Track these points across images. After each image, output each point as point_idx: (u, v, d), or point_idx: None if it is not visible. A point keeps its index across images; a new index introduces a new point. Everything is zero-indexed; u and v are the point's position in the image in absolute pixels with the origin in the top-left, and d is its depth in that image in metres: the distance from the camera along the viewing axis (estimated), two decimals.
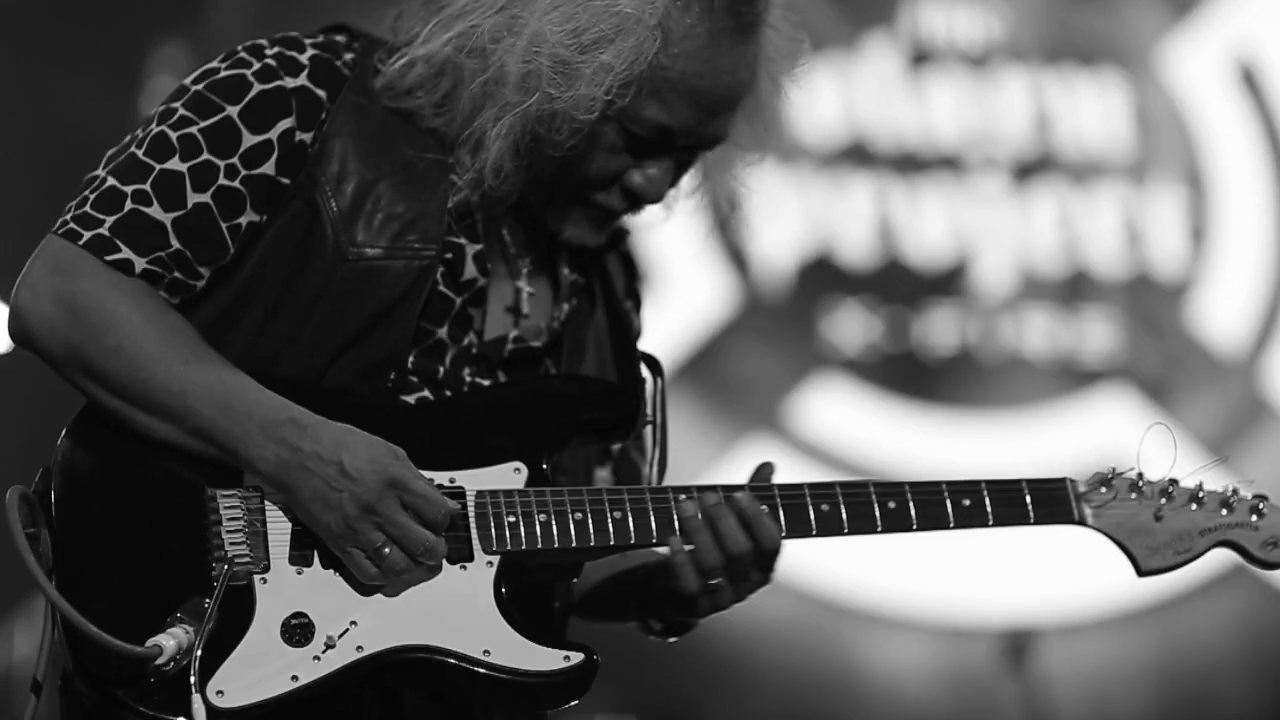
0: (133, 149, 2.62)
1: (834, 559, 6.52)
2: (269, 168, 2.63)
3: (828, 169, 6.73)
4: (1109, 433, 6.71)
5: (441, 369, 2.71)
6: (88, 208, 2.57)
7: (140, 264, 2.56)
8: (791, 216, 6.63)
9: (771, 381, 6.67)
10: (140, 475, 2.54)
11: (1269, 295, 6.94)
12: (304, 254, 2.65)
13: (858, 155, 6.80)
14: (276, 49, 2.68)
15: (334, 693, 2.46)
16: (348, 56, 2.73)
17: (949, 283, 6.84)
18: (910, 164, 6.85)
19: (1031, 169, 6.92)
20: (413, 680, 2.51)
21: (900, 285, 6.82)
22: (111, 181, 2.60)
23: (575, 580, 2.81)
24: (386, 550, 2.47)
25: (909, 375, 6.80)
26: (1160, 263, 6.94)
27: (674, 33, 2.68)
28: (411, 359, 2.69)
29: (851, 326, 6.77)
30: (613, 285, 2.97)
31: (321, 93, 2.69)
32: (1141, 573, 2.75)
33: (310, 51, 2.70)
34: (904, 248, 6.84)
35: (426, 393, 2.70)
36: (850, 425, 6.70)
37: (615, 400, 2.79)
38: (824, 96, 6.59)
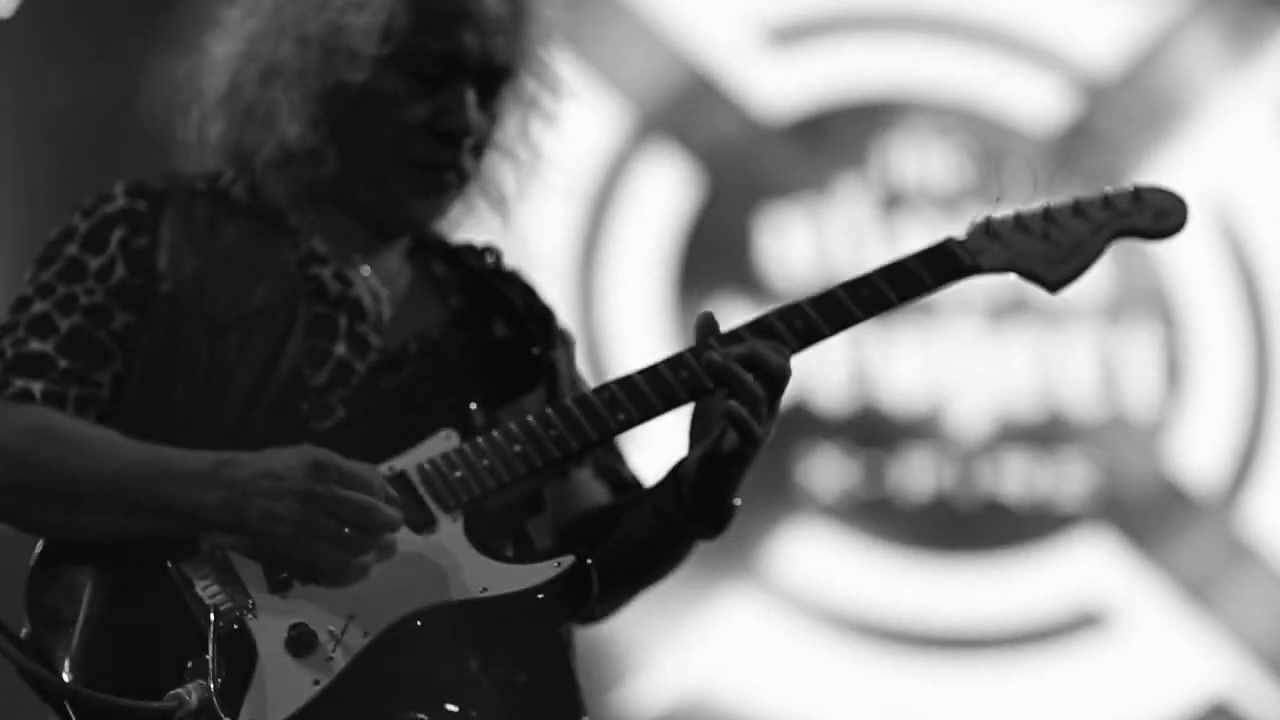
0: (5, 317, 2.84)
1: None
2: (122, 274, 2.83)
3: None
4: (1088, 576, 6.68)
5: (356, 381, 2.83)
6: None
7: (38, 389, 2.73)
8: None
9: (748, 528, 6.54)
10: (108, 584, 2.63)
11: (1246, 434, 6.89)
12: (178, 340, 2.80)
13: None
14: (90, 200, 2.91)
15: (364, 687, 2.53)
16: (159, 183, 2.96)
17: (924, 427, 6.79)
18: None
19: (1005, 311, 6.88)
20: (432, 647, 2.58)
21: (876, 430, 6.77)
22: None
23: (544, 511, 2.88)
24: (345, 530, 2.55)
25: (886, 521, 6.73)
26: (1136, 403, 6.90)
27: None
28: (322, 382, 2.81)
29: (827, 472, 6.71)
30: (495, 291, 3.08)
31: (142, 204, 2.90)
32: (1053, 286, 2.83)
33: (121, 185, 2.92)
34: (879, 392, 6.80)
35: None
36: (828, 572, 6.63)
37: (517, 350, 2.94)
38: (796, 241, 6.58)
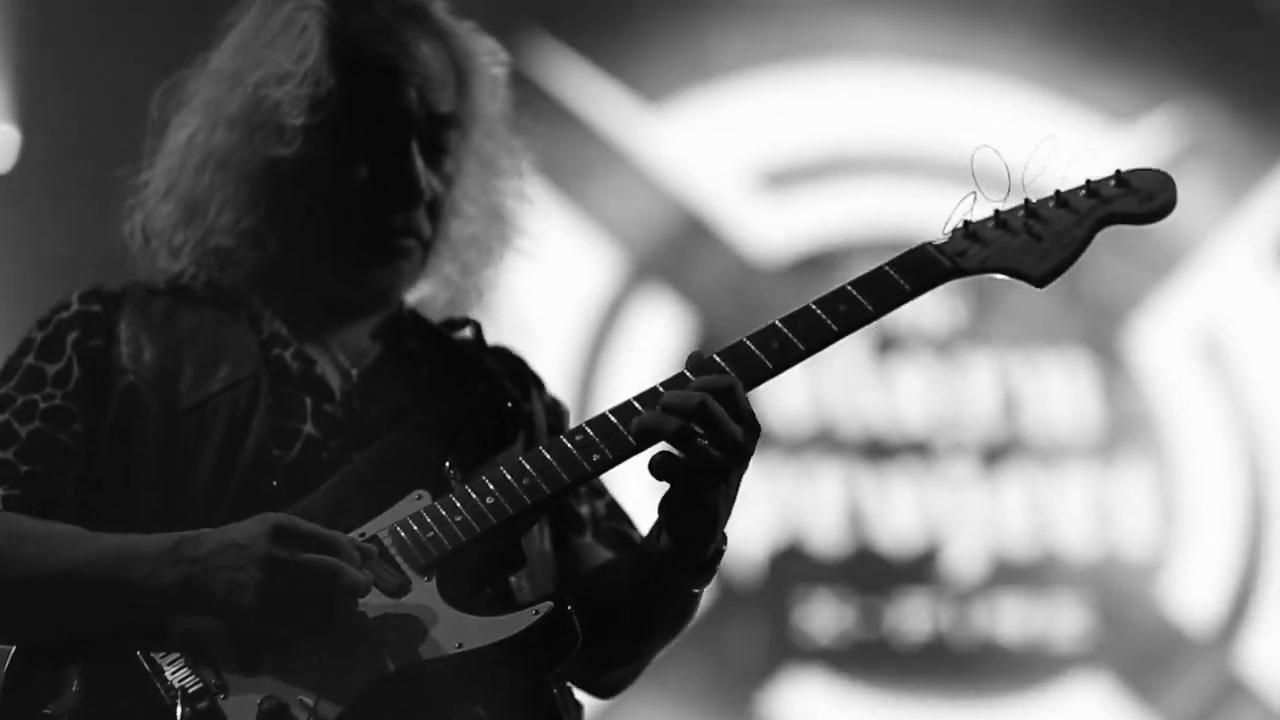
0: None
1: None
2: (79, 375, 2.81)
3: (795, 457, 6.72)
4: (1084, 718, 6.67)
5: (327, 456, 2.78)
6: None
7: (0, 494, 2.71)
8: (760, 505, 6.64)
9: (744, 672, 6.59)
10: (82, 680, 2.57)
11: (1241, 573, 6.88)
12: (140, 433, 2.76)
13: (826, 443, 6.78)
14: (46, 312, 2.90)
15: None
16: (116, 287, 2.92)
17: (920, 569, 6.78)
18: (878, 450, 6.83)
19: (1000, 453, 6.89)
20: (411, 710, 2.51)
21: (871, 573, 6.76)
22: None
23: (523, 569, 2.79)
24: (311, 594, 2.48)
25: (883, 663, 6.71)
26: (1130, 543, 6.89)
27: (343, 22, 2.91)
28: (291, 460, 2.76)
29: (824, 615, 6.69)
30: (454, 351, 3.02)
31: (97, 307, 2.87)
32: (1039, 280, 2.66)
33: (76, 293, 2.89)
34: (874, 535, 6.79)
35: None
36: (826, 716, 6.63)
37: (491, 407, 2.85)
38: (790, 384, 6.63)
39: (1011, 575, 6.81)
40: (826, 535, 6.76)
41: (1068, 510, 6.88)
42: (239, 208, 2.93)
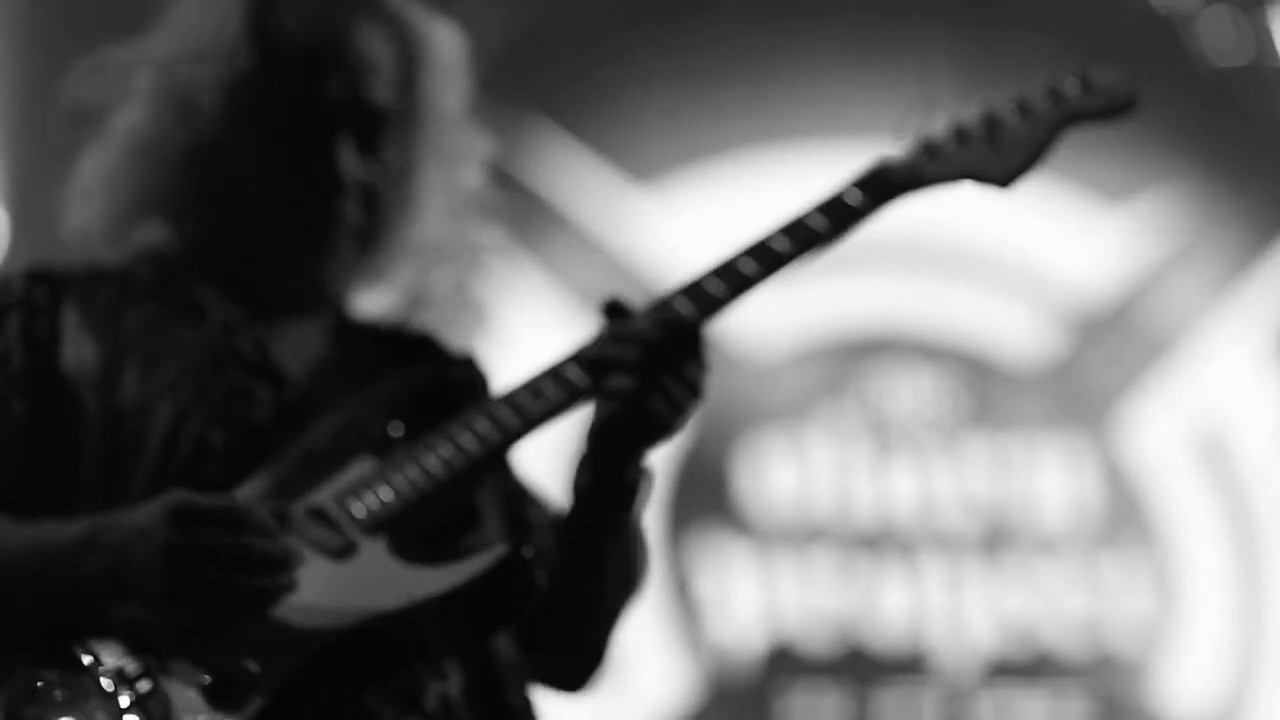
0: None
1: None
2: (19, 362, 2.67)
3: (788, 546, 6.65)
4: None
5: (276, 441, 2.66)
6: None
7: None
8: (751, 603, 6.56)
9: None
10: (21, 685, 2.41)
11: (1238, 666, 6.81)
12: (80, 436, 2.64)
13: (817, 536, 6.71)
14: None
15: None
16: (60, 268, 2.79)
17: (911, 667, 6.70)
18: (870, 543, 6.76)
19: (993, 544, 6.83)
20: (366, 669, 2.41)
21: (863, 669, 6.68)
22: None
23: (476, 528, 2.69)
24: (214, 576, 2.36)
25: None
26: (1125, 638, 6.82)
27: (266, 10, 2.80)
28: (237, 448, 2.63)
29: (814, 714, 6.61)
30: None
31: (42, 291, 2.74)
32: (1003, 181, 2.64)
33: (20, 272, 2.79)
34: (865, 632, 6.72)
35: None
36: None
37: (441, 375, 2.76)
38: (778, 475, 6.56)
39: (1006, 669, 6.73)
40: (817, 632, 6.68)
41: (1062, 603, 6.81)
42: (167, 195, 2.84)
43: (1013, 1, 6.96)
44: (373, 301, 3.01)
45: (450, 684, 2.57)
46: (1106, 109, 2.66)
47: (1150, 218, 6.96)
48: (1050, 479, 6.90)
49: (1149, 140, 6.89)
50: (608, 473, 2.61)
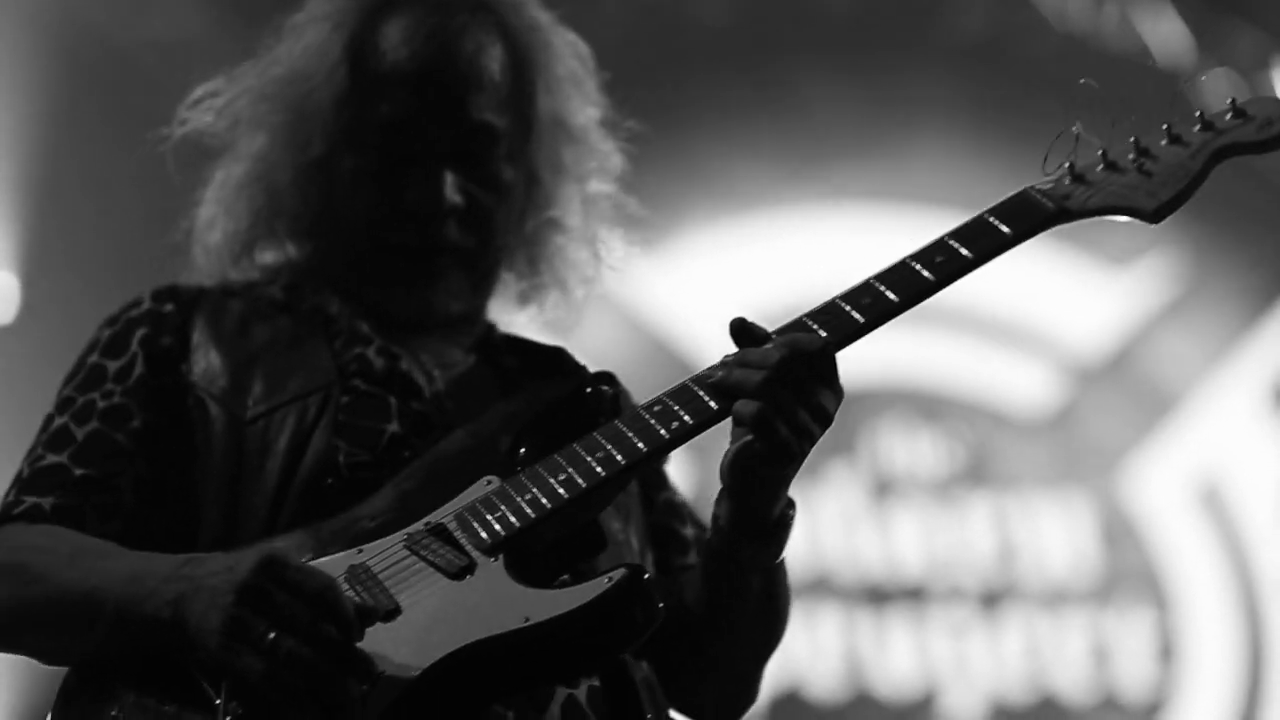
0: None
1: None
2: (141, 373, 2.65)
3: (794, 601, 6.62)
4: None
5: (409, 455, 2.61)
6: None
7: (48, 503, 2.56)
8: None
9: None
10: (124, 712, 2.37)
11: (1239, 717, 6.85)
12: (205, 445, 2.61)
13: (823, 588, 6.78)
14: (116, 310, 2.76)
15: None
16: (192, 287, 2.79)
17: (918, 714, 6.73)
18: (876, 595, 6.80)
19: (997, 597, 6.87)
20: (480, 689, 2.32)
21: (870, 718, 6.71)
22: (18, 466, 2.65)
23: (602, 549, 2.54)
24: (271, 637, 2.24)
25: None
26: (1129, 686, 6.86)
27: (370, 22, 2.74)
28: (364, 459, 2.58)
29: None
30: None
31: (170, 307, 2.73)
32: (1153, 216, 2.44)
33: (149, 291, 2.76)
34: (872, 680, 6.75)
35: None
36: None
37: (575, 395, 2.61)
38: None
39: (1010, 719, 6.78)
40: (825, 680, 6.72)
41: (1066, 654, 6.85)
42: (286, 217, 2.83)
43: (1016, 62, 7.04)
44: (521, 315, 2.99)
45: (579, 691, 2.50)
46: (1262, 139, 2.49)
47: (1151, 277, 7.04)
48: (1052, 531, 6.95)
49: None
50: (745, 505, 2.49)
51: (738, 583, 2.58)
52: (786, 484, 2.49)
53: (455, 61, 2.75)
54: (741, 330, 2.48)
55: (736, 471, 2.44)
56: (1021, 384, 7.00)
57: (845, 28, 7.04)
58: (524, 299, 2.98)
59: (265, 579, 2.28)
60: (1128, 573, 6.95)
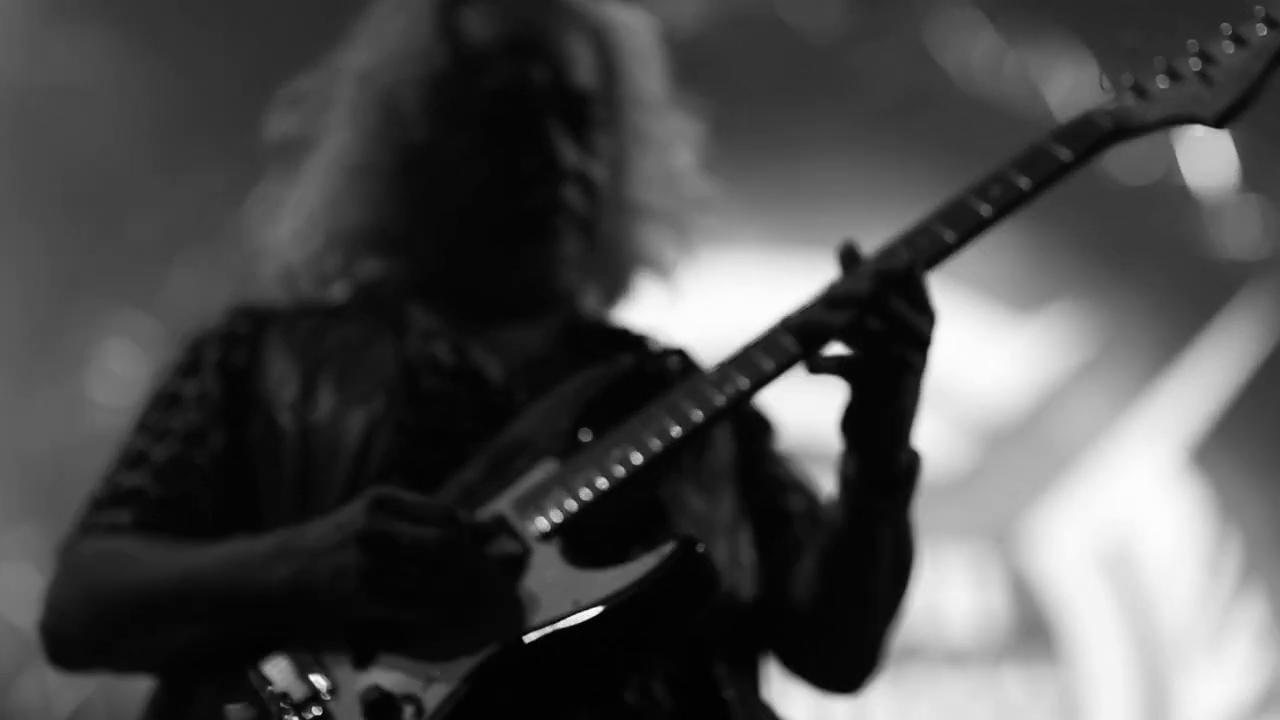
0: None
1: None
2: (217, 394, 2.65)
3: None
4: None
5: (471, 449, 2.57)
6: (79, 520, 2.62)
7: (127, 518, 2.57)
8: None
9: None
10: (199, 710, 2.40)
11: None
12: (275, 458, 2.60)
13: None
14: (191, 331, 2.76)
15: None
16: (265, 304, 2.78)
17: None
18: None
19: (901, 658, 6.78)
20: (538, 679, 2.29)
21: None
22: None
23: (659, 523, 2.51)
24: (410, 568, 2.29)
25: None
26: None
27: (454, 11, 2.75)
28: (435, 457, 2.55)
29: None
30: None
31: (244, 325, 2.72)
32: (1214, 121, 2.37)
33: (223, 310, 2.77)
34: None
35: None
36: None
37: (641, 374, 2.58)
38: None
39: None
40: None
41: (969, 714, 6.78)
42: (379, 211, 2.78)
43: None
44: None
45: (655, 676, 2.45)
46: None
47: (1057, 330, 7.01)
48: (956, 591, 6.86)
49: (1056, 253, 6.93)
50: (868, 455, 2.46)
51: (867, 539, 2.54)
52: (905, 424, 2.44)
53: (548, 32, 2.76)
54: (848, 255, 2.42)
55: (848, 423, 2.42)
56: (926, 439, 6.85)
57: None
58: (610, 290, 2.92)
59: (383, 521, 2.31)
60: (1031, 632, 6.88)
